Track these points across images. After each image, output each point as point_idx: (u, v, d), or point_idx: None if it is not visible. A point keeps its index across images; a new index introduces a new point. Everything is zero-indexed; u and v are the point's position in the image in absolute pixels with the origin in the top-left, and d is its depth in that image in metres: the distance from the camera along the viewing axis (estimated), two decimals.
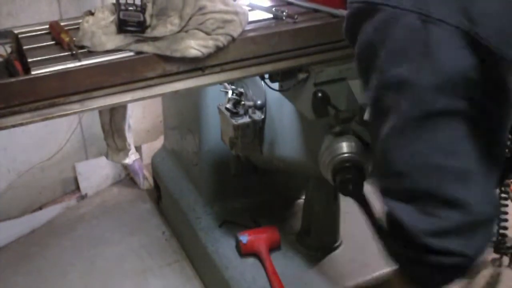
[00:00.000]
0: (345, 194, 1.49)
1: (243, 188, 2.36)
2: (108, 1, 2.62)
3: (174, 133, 2.62)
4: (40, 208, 2.79)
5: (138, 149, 2.93)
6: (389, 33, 0.90)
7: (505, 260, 2.38)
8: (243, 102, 2.01)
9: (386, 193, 1.00)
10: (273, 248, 2.13)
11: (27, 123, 1.27)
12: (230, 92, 2.03)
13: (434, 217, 0.92)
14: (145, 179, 2.98)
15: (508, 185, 2.13)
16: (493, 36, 0.85)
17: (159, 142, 2.94)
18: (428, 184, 0.93)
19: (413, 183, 0.94)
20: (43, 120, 1.29)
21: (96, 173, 2.94)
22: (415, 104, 0.90)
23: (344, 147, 1.54)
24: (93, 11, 1.44)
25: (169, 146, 2.74)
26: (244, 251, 2.11)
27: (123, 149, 1.73)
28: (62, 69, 1.26)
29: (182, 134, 2.48)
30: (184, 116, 2.44)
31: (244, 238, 2.11)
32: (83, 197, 2.92)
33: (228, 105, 2.00)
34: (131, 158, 1.80)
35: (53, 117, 1.29)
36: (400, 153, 0.94)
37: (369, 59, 0.95)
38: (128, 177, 3.06)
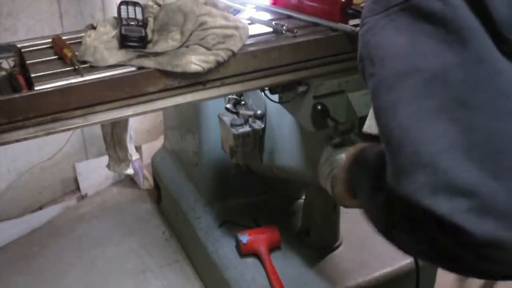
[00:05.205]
0: (344, 206, 1.50)
1: (243, 188, 2.37)
2: (108, 4, 2.63)
3: (174, 133, 2.62)
4: (40, 208, 2.80)
5: (138, 149, 2.91)
6: None
7: None
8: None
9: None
10: (273, 248, 2.15)
11: (30, 138, 1.29)
12: None
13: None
14: (145, 179, 2.99)
15: None
16: None
17: (159, 142, 2.94)
18: None
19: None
20: (46, 134, 1.30)
21: (96, 173, 2.94)
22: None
23: (344, 159, 1.55)
24: (95, 24, 1.45)
25: (169, 146, 2.75)
26: (244, 251, 2.12)
27: (125, 160, 1.74)
28: (64, 84, 1.27)
29: (182, 134, 2.49)
30: (184, 116, 2.44)
31: (244, 238, 2.12)
32: (83, 197, 2.93)
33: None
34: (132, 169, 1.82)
35: (56, 132, 1.30)
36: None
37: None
38: (128, 177, 3.06)
